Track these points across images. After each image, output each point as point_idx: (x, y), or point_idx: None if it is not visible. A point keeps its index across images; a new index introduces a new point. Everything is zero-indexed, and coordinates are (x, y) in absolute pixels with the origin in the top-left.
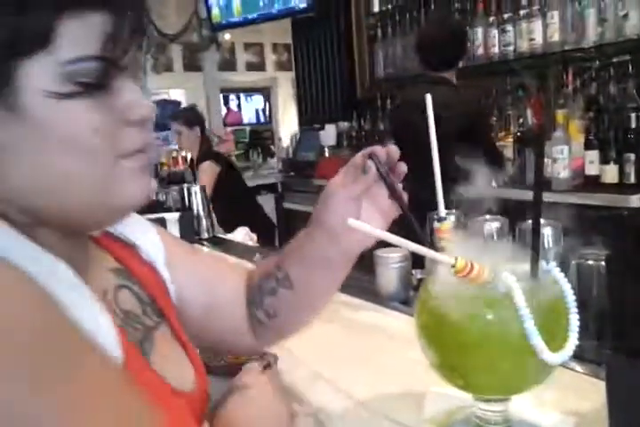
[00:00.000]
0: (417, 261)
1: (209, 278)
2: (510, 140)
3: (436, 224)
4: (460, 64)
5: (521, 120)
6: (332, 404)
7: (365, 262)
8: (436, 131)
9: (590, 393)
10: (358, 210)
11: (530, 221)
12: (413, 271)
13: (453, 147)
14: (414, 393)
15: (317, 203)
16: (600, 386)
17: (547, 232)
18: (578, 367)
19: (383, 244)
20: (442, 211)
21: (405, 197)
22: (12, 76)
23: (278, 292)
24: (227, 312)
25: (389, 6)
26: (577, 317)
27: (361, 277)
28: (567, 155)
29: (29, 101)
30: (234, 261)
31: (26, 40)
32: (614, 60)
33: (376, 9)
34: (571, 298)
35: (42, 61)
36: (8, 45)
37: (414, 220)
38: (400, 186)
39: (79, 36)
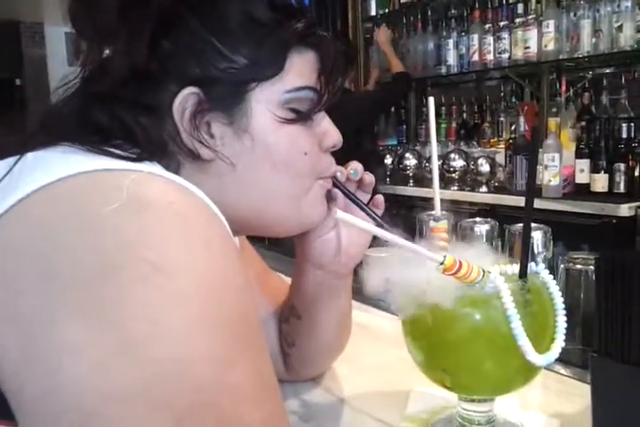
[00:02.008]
0: None
1: (259, 298)
2: (502, 146)
3: (432, 223)
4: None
5: (513, 127)
6: (316, 402)
7: None
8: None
9: (575, 396)
10: (338, 235)
11: (519, 225)
12: None
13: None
14: (398, 392)
15: (297, 237)
16: (585, 389)
17: (536, 236)
18: (563, 371)
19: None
20: (438, 211)
21: (380, 205)
22: (246, 97)
23: (290, 320)
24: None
25: (386, 10)
26: (564, 319)
27: None
28: (558, 162)
29: (256, 123)
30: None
31: (263, 66)
32: (607, 70)
33: (373, 13)
34: (558, 300)
35: (270, 88)
36: (247, 69)
37: (391, 230)
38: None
39: (300, 69)
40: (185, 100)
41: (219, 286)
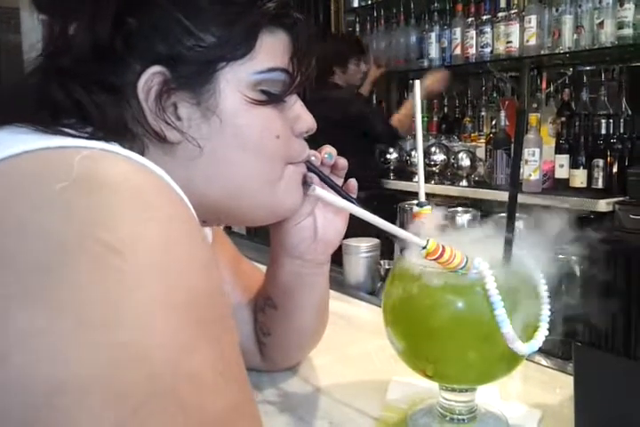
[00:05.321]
0: (386, 251)
1: (232, 287)
2: (482, 141)
3: (415, 209)
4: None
5: (494, 122)
6: (293, 391)
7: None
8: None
9: (556, 387)
10: (314, 222)
11: (501, 214)
12: (382, 262)
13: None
14: (378, 382)
15: (272, 226)
16: (566, 380)
17: (518, 226)
18: (544, 361)
19: (352, 233)
20: (422, 196)
21: (354, 189)
22: (214, 77)
23: (265, 310)
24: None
25: (369, 2)
26: (548, 307)
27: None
28: (538, 158)
29: (225, 104)
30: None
31: (233, 45)
32: (588, 67)
33: (355, 5)
34: (542, 287)
35: (240, 69)
36: (216, 48)
37: (368, 212)
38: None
39: (272, 50)
40: (150, 79)
41: (179, 266)
